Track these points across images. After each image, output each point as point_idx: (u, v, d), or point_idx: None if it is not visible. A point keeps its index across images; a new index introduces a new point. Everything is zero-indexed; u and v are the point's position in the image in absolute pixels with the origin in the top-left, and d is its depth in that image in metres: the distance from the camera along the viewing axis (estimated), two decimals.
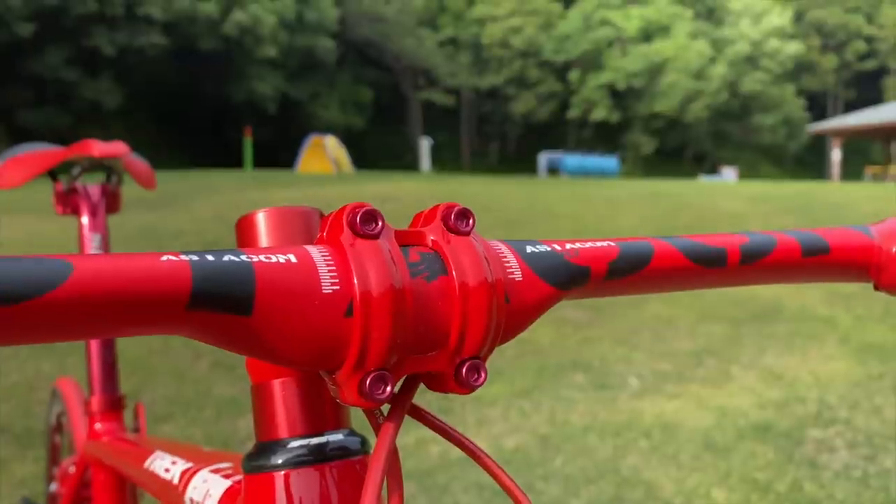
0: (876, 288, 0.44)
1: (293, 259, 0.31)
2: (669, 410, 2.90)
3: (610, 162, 25.04)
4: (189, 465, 0.56)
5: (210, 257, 0.29)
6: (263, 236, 0.38)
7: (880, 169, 23.59)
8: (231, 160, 19.87)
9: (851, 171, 26.80)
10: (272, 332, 0.30)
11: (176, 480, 0.56)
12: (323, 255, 0.31)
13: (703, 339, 3.90)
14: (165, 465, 0.60)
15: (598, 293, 0.38)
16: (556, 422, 2.79)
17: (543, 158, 24.35)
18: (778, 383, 3.22)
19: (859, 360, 3.53)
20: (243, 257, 0.30)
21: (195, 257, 0.28)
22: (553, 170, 23.71)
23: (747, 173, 28.79)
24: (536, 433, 2.68)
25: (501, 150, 33.23)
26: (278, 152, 21.83)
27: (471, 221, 0.35)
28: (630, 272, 0.37)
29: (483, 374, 0.34)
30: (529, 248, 0.36)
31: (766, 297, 4.80)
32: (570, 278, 0.36)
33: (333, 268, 0.31)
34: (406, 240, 0.34)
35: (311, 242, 0.37)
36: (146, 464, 0.65)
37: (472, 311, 0.32)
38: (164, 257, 0.28)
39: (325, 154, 17.27)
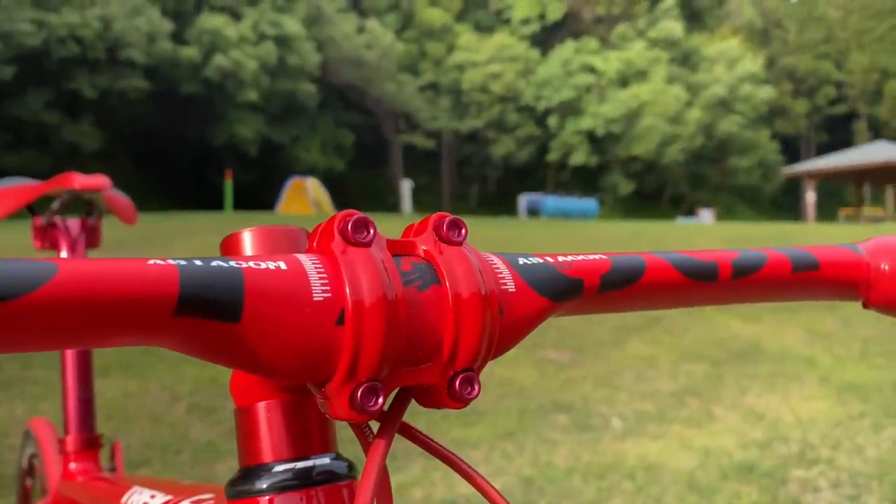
0: (865, 306, 0.44)
1: (283, 266, 0.30)
2: (653, 451, 2.88)
3: (589, 204, 25.25)
4: (169, 497, 0.54)
5: (198, 262, 0.28)
6: (249, 252, 0.37)
7: (853, 210, 24.01)
8: (212, 203, 19.81)
9: (826, 212, 27.23)
10: (261, 341, 0.29)
11: None
12: (314, 263, 0.31)
13: (684, 380, 3.89)
14: (144, 500, 0.58)
15: (591, 307, 0.37)
16: (540, 464, 2.75)
17: (523, 200, 24.51)
18: (760, 423, 3.22)
19: (840, 400, 3.54)
20: (232, 263, 0.29)
21: (183, 262, 0.28)
22: (533, 212, 23.85)
23: (724, 215, 29.14)
24: (520, 475, 2.64)
25: (482, 192, 33.44)
26: (260, 195, 21.81)
27: (463, 231, 0.34)
28: (623, 285, 0.37)
29: (476, 387, 0.33)
30: (522, 260, 0.36)
31: (746, 336, 4.82)
32: (564, 290, 0.36)
33: (325, 275, 0.30)
34: (398, 249, 0.33)
35: None
36: (123, 499, 0.63)
37: (466, 322, 0.32)
38: (152, 261, 0.27)
39: (305, 196, 17.28)
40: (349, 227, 0.31)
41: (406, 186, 23.92)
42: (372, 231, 0.32)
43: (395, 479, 2.51)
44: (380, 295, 0.30)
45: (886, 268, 0.42)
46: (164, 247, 7.52)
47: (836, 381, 3.86)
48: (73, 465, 0.99)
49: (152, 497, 0.57)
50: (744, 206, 32.97)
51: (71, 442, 1.00)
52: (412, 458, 2.66)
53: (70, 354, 1.07)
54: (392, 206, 26.24)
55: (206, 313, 0.27)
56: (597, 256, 0.38)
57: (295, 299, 0.29)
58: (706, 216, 25.12)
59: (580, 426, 3.17)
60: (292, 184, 17.91)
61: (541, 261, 0.36)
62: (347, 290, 0.30)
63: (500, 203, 29.58)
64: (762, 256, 0.41)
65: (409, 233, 0.35)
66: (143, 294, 0.26)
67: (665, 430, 3.13)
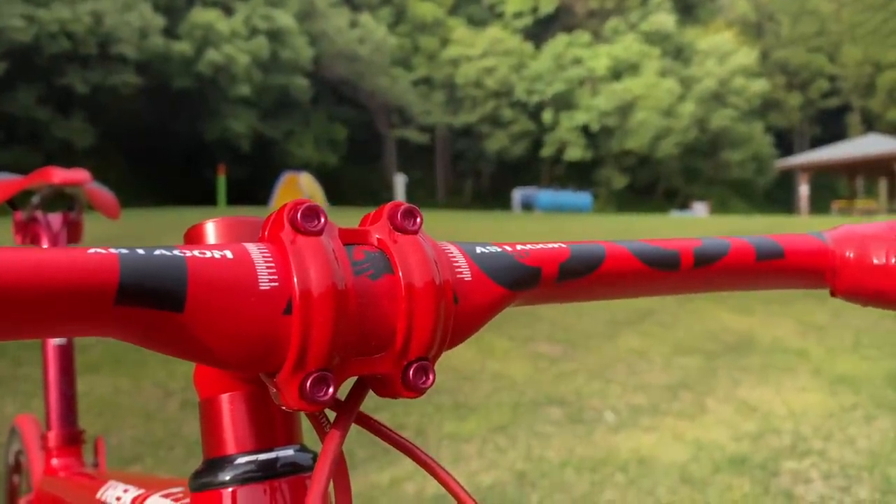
0: (832, 294, 0.43)
1: (229, 255, 0.30)
2: (646, 444, 2.89)
3: (583, 198, 25.28)
4: (140, 491, 0.54)
5: (141, 251, 0.28)
6: (209, 242, 0.37)
7: (846, 203, 24.12)
8: (205, 198, 19.79)
9: (819, 205, 27.34)
10: (206, 330, 0.28)
11: None
12: (262, 252, 0.30)
13: (677, 373, 3.90)
14: (117, 494, 0.58)
15: (551, 297, 0.37)
16: (533, 457, 2.76)
17: (517, 195, 24.52)
18: (753, 415, 3.22)
19: (832, 392, 3.55)
20: (176, 252, 0.29)
21: (125, 250, 0.28)
22: (527, 206, 23.87)
23: (718, 208, 29.22)
24: (513, 469, 2.64)
25: (476, 186, 33.43)
26: (253, 190, 21.79)
27: (418, 220, 0.34)
28: (582, 274, 0.37)
29: (431, 377, 0.33)
30: (479, 249, 0.36)
31: (739, 329, 4.83)
32: (521, 279, 0.35)
33: (272, 264, 0.30)
34: (350, 238, 0.33)
35: None
36: (99, 494, 0.63)
37: (419, 311, 0.31)
38: (92, 250, 0.27)
39: (299, 191, 17.25)
40: (299, 215, 0.31)
41: (400, 181, 23.90)
42: (323, 220, 0.31)
43: (387, 474, 2.51)
44: (328, 284, 0.29)
45: (852, 256, 0.42)
46: (155, 242, 7.50)
47: (828, 373, 3.87)
48: (55, 461, 0.98)
49: (125, 491, 0.57)
50: (737, 199, 33.04)
51: (53, 437, 1.00)
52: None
53: (52, 350, 1.06)
54: (386, 201, 26.09)
55: (148, 302, 0.27)
56: (556, 245, 0.37)
57: (240, 288, 0.29)
58: (700, 209, 25.20)
59: (573, 419, 3.18)
60: (286, 179, 17.89)
61: (498, 249, 0.36)
62: (295, 279, 0.29)
63: (494, 197, 29.59)
64: (725, 245, 0.40)
65: (365, 222, 0.35)
66: (81, 282, 0.26)
67: (658, 422, 3.14)
